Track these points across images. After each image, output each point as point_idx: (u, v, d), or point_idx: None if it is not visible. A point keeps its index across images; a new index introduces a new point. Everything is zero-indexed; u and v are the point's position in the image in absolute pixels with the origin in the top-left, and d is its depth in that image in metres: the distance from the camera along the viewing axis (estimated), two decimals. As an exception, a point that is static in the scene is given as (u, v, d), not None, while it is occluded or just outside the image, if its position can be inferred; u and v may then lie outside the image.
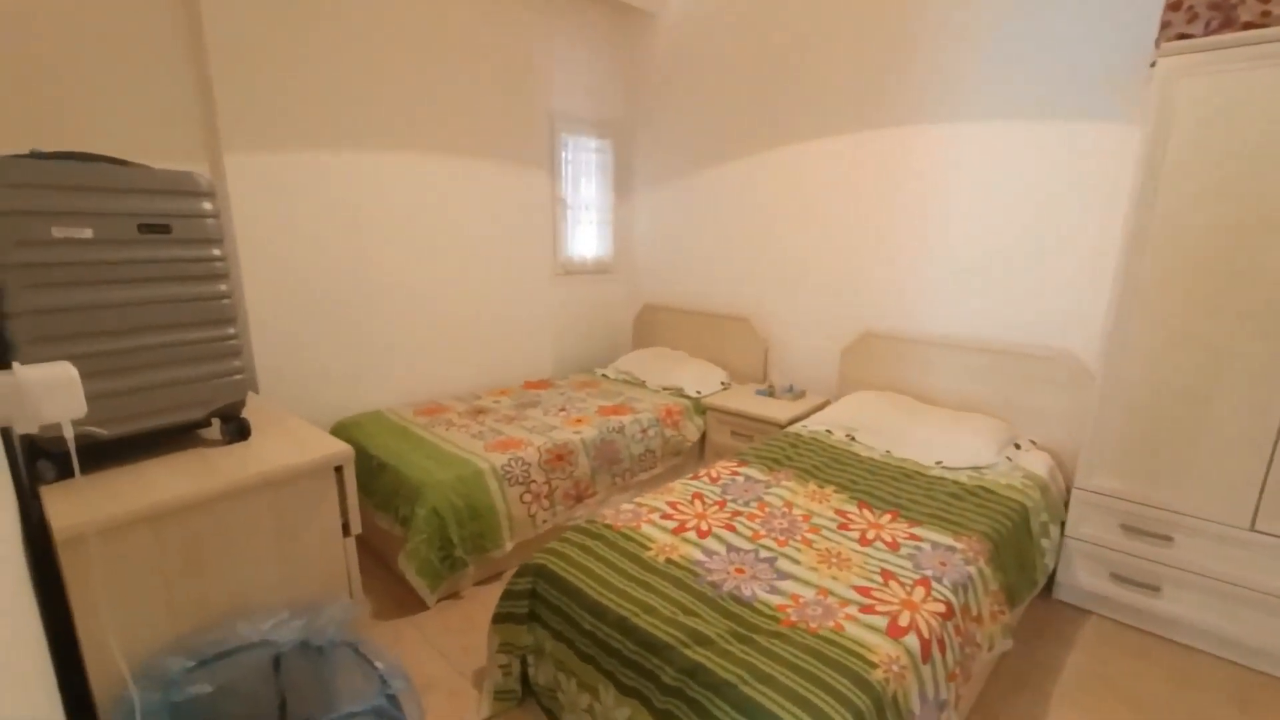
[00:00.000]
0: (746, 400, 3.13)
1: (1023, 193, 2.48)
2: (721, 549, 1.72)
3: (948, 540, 1.77)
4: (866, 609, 1.46)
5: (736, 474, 2.21)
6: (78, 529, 1.11)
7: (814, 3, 2.95)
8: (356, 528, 1.57)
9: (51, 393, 0.86)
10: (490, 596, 2.20)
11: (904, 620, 1.42)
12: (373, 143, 2.69)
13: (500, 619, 1.69)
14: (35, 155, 1.25)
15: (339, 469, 1.51)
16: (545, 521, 2.44)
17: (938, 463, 2.31)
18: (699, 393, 3.24)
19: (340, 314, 2.71)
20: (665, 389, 3.34)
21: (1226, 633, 1.95)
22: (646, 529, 1.81)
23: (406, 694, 1.22)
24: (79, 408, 0.90)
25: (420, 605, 2.17)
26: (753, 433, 2.96)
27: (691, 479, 2.17)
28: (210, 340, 1.46)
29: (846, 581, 1.57)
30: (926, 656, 1.36)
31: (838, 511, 1.95)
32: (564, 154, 3.63)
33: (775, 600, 1.49)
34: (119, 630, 1.15)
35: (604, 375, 3.67)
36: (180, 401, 1.43)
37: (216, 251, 1.45)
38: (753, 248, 3.44)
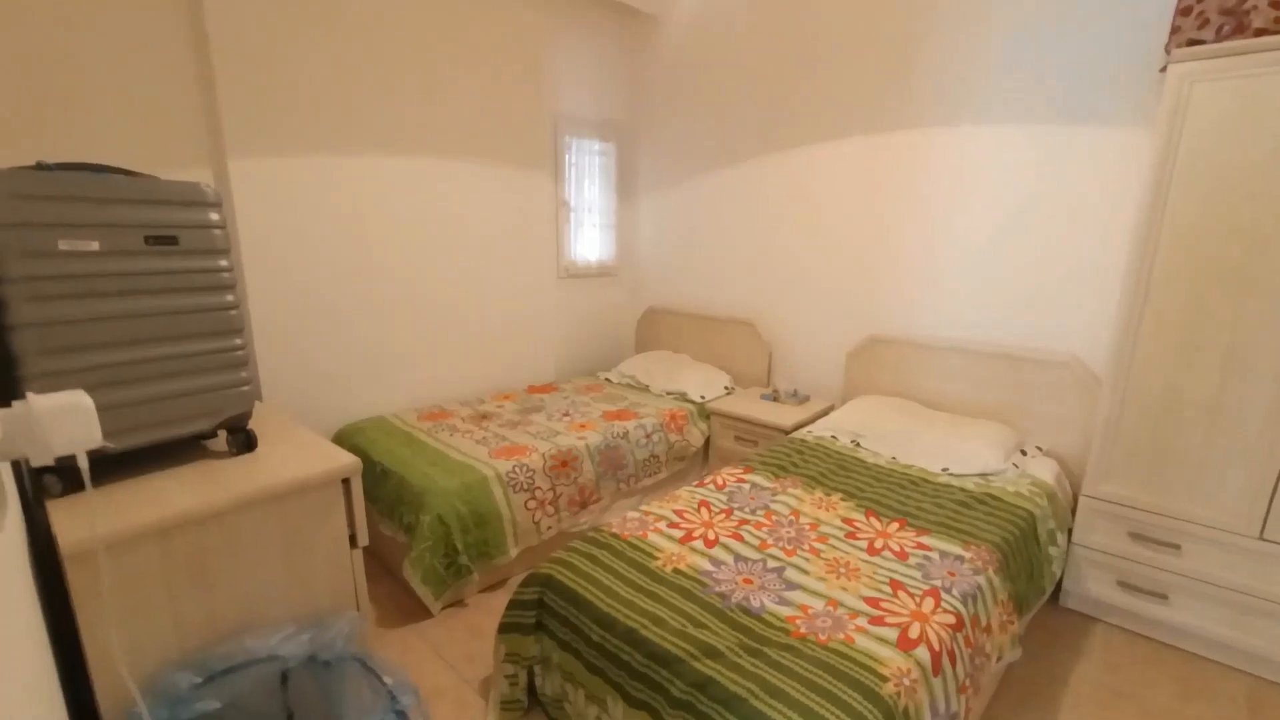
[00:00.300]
0: (751, 405, 3.12)
1: (1029, 197, 2.46)
2: (729, 558, 1.71)
3: (956, 549, 1.76)
4: (876, 620, 1.45)
5: (742, 481, 2.20)
6: (84, 544, 1.11)
7: (820, 7, 2.94)
8: (364, 540, 1.57)
9: (65, 423, 0.84)
10: (495, 604, 2.20)
11: (914, 632, 1.41)
12: (376, 147, 2.68)
13: (506, 629, 1.68)
14: (41, 167, 1.24)
15: (346, 481, 1.51)
16: (550, 528, 2.44)
17: (944, 469, 2.30)
18: (703, 397, 3.23)
19: (343, 318, 2.70)
20: (669, 393, 3.32)
21: (1236, 642, 1.94)
22: (653, 538, 1.80)
23: (415, 709, 1.22)
24: (94, 438, 0.88)
25: (425, 613, 2.17)
26: (757, 438, 2.95)
27: (697, 486, 2.16)
28: (217, 351, 1.45)
29: (855, 592, 1.56)
30: (937, 669, 1.35)
31: (845, 520, 1.94)
32: (567, 156, 3.61)
33: (784, 611, 1.48)
34: (126, 645, 1.14)
35: (607, 379, 3.66)
36: (187, 413, 1.42)
37: (223, 262, 1.44)
38: (757, 251, 3.43)
